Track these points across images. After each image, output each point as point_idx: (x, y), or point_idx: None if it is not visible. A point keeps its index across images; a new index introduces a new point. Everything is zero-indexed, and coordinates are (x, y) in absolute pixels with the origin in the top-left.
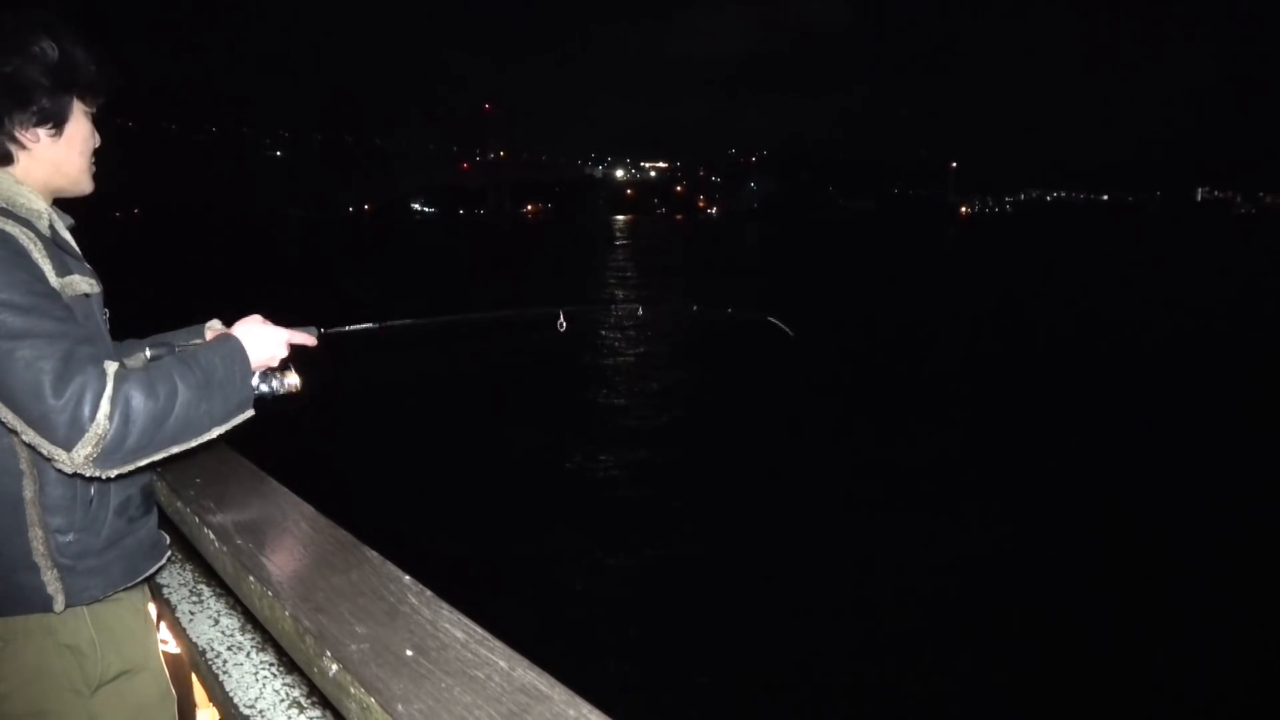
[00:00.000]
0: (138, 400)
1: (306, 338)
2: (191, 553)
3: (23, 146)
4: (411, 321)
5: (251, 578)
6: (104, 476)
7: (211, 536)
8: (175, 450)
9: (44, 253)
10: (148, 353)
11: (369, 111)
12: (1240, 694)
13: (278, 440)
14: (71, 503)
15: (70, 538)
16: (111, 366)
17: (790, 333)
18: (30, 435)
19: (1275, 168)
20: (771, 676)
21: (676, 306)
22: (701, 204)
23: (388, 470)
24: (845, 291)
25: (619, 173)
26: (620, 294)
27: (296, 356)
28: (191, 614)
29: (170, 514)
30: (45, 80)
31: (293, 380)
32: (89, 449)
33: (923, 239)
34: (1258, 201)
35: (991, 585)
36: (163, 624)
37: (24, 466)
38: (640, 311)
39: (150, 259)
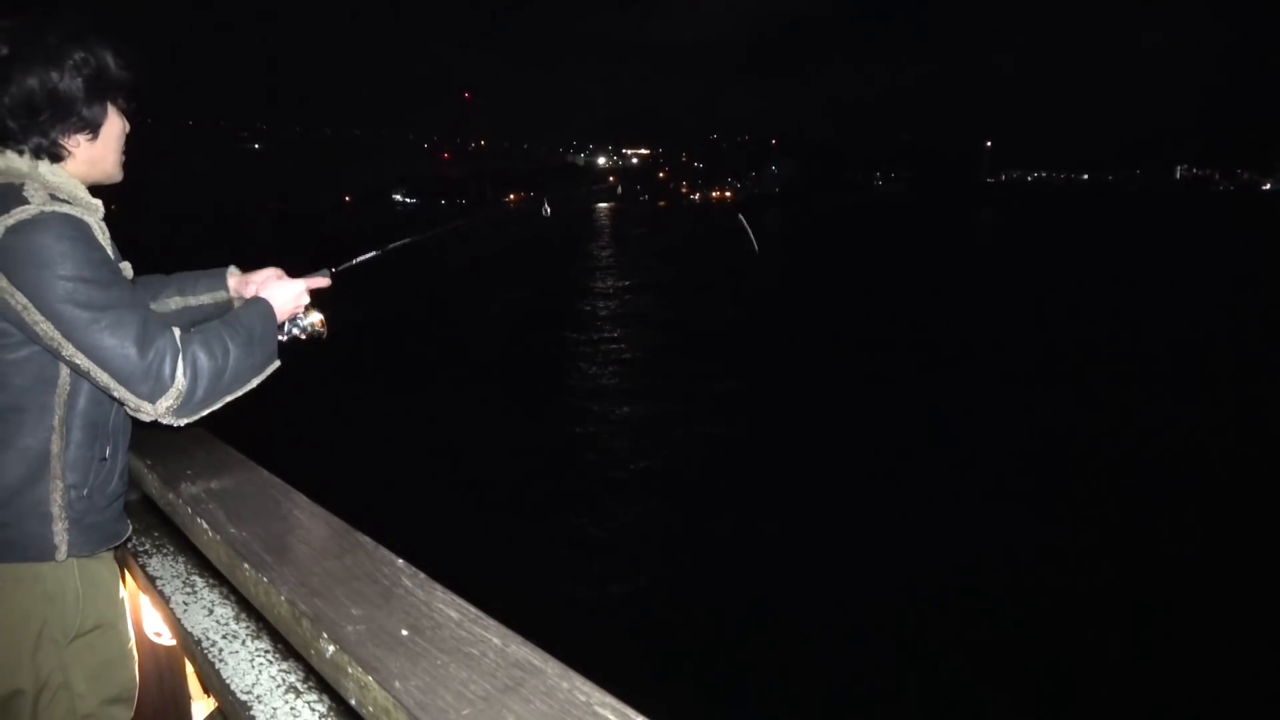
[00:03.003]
0: (202, 359)
1: (321, 281)
2: (184, 544)
3: (66, 151)
4: (411, 239)
5: (246, 565)
6: (178, 424)
7: (205, 526)
8: (228, 400)
9: (108, 240)
10: (174, 304)
11: (347, 102)
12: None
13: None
14: (89, 462)
15: (85, 493)
16: (177, 331)
17: (755, 244)
18: (120, 391)
19: (1251, 144)
20: (765, 651)
21: (647, 202)
22: (685, 190)
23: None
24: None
25: (601, 160)
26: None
27: (319, 298)
28: (185, 604)
29: (163, 506)
30: (83, 93)
31: (315, 318)
32: (170, 401)
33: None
34: (1235, 178)
35: (994, 575)
36: (157, 615)
37: (55, 424)
38: (619, 191)
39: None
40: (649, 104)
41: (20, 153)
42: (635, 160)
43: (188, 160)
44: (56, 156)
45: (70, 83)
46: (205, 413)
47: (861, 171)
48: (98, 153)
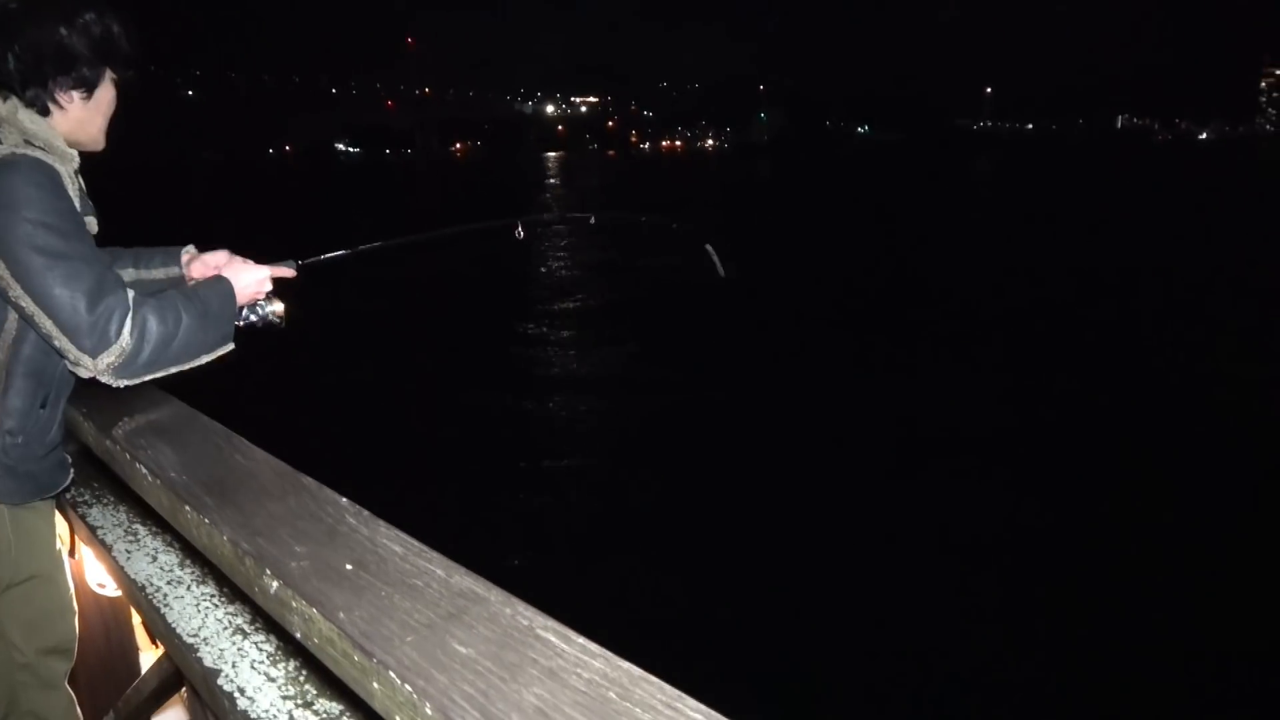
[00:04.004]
0: (153, 324)
1: (286, 271)
2: (124, 493)
3: (59, 105)
4: (382, 244)
5: (188, 508)
6: (117, 384)
7: (145, 472)
8: (173, 370)
9: (76, 191)
10: (127, 276)
11: (287, 48)
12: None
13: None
14: (29, 410)
15: (20, 440)
16: (131, 292)
17: (721, 270)
18: (61, 341)
19: (1188, 94)
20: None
21: (626, 217)
22: (634, 139)
23: (341, 401)
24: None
25: (549, 109)
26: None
27: (281, 288)
28: (128, 553)
29: (100, 454)
30: (87, 52)
31: (276, 307)
32: (111, 359)
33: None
34: (1174, 128)
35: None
36: (101, 566)
37: None
38: (592, 220)
39: None
40: (598, 51)
41: (5, 98)
42: (584, 109)
43: (119, 109)
44: (46, 110)
45: (78, 40)
46: (147, 378)
47: (834, 119)
48: (88, 114)
